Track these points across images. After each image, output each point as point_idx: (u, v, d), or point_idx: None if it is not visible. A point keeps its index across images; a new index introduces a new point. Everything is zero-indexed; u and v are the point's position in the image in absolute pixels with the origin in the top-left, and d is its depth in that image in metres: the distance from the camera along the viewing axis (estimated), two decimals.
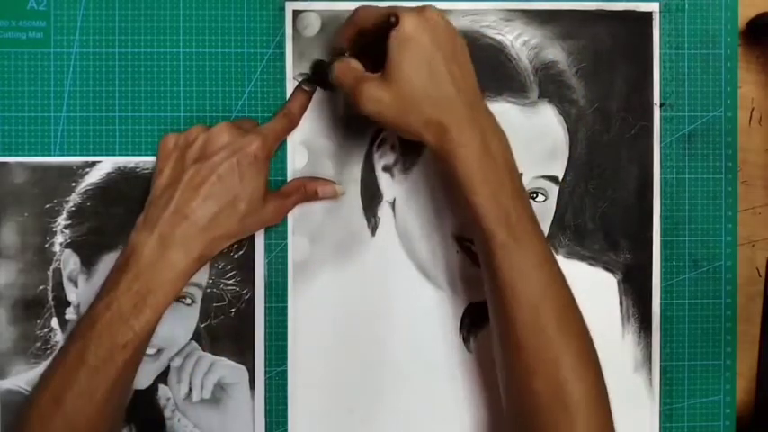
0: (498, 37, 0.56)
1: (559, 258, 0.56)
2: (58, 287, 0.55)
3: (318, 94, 0.56)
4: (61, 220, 0.55)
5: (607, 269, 0.57)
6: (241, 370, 0.55)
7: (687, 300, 0.57)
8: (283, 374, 0.56)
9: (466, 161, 0.47)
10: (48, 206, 0.55)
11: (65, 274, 0.55)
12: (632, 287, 0.57)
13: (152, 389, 0.55)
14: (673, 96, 0.57)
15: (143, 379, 0.55)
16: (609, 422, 0.47)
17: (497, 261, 0.47)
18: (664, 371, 0.57)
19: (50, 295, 0.55)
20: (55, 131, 0.55)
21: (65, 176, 0.55)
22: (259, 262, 0.56)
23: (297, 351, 0.56)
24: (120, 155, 0.55)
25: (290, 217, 0.56)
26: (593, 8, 0.56)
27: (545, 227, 0.56)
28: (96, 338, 0.47)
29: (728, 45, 0.57)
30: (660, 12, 0.57)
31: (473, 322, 0.56)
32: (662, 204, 0.57)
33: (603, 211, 0.57)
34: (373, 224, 0.56)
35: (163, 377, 0.55)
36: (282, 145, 0.55)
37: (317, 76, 0.55)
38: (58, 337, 0.55)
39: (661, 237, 0.57)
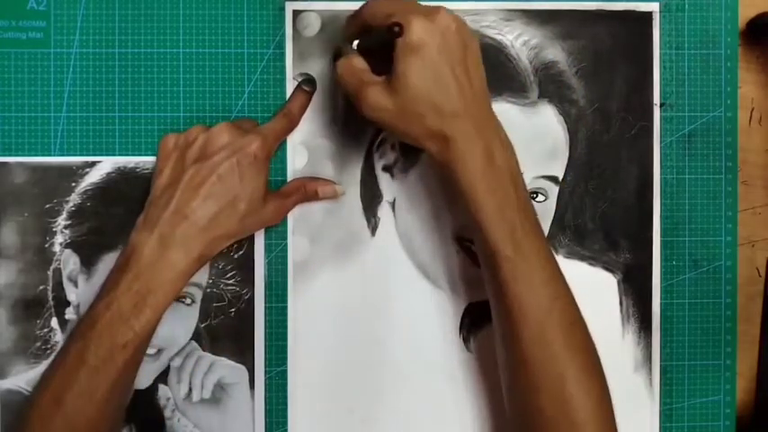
0: (498, 37, 0.56)
1: (559, 258, 0.56)
2: (58, 287, 0.55)
3: (318, 94, 0.56)
4: (61, 220, 0.55)
5: (607, 269, 0.57)
6: (241, 370, 0.55)
7: (687, 300, 0.57)
8: (283, 374, 0.56)
9: (470, 173, 0.46)
10: (48, 206, 0.55)
11: (65, 274, 0.55)
12: (632, 287, 0.57)
13: (152, 389, 0.55)
14: (673, 96, 0.57)
15: (143, 379, 0.55)
16: None
17: (503, 275, 0.46)
18: (664, 371, 0.57)
19: (50, 295, 0.55)
20: (55, 131, 0.55)
21: (65, 176, 0.55)
22: (259, 262, 0.56)
23: (297, 351, 0.56)
24: (120, 155, 0.55)
25: (290, 217, 0.56)
26: (593, 8, 0.56)
27: (545, 227, 0.56)
28: (96, 338, 0.47)
29: (728, 45, 0.57)
30: (660, 12, 0.57)
31: (473, 322, 0.56)
32: (662, 204, 0.57)
33: (603, 211, 0.57)
34: (373, 224, 0.56)
35: (163, 377, 0.55)
36: (282, 145, 0.55)
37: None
38: (58, 337, 0.55)
39: (661, 237, 0.57)
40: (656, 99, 0.57)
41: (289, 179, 0.56)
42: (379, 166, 0.56)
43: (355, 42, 0.51)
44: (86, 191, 0.55)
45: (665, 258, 0.57)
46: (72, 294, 0.55)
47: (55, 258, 0.55)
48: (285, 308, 0.56)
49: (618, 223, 0.57)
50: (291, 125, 0.54)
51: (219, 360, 0.55)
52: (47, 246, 0.55)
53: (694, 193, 0.57)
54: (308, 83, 0.55)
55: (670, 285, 0.57)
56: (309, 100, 0.55)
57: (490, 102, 0.48)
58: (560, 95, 0.56)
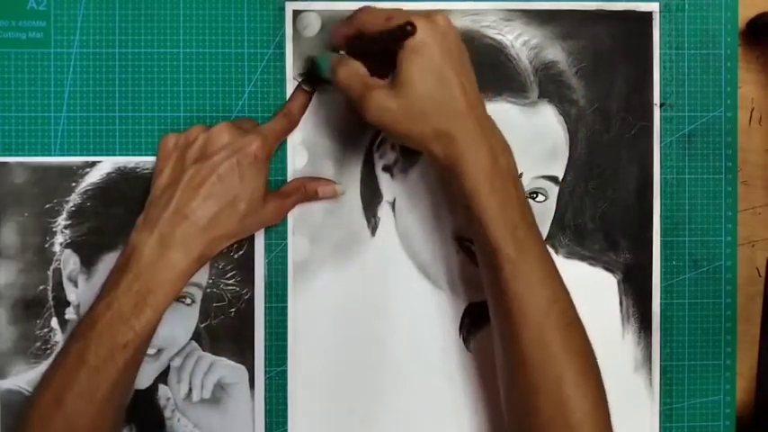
0: (498, 37, 0.56)
1: (559, 258, 0.56)
2: (58, 287, 0.55)
3: (319, 95, 0.56)
4: (61, 220, 0.55)
5: (607, 269, 0.57)
6: (241, 370, 0.55)
7: (687, 300, 0.57)
8: (283, 374, 0.56)
9: (474, 173, 0.46)
10: (48, 206, 0.55)
11: (65, 274, 0.55)
12: (632, 287, 0.57)
13: (152, 389, 0.55)
14: (673, 96, 0.57)
15: (143, 379, 0.55)
16: None
17: (504, 275, 0.46)
18: (664, 371, 0.57)
19: (50, 295, 0.55)
20: (55, 131, 0.55)
21: (65, 176, 0.55)
22: (259, 262, 0.56)
23: (297, 351, 0.56)
24: (120, 155, 0.55)
25: (290, 217, 0.56)
26: (593, 8, 0.56)
27: (545, 227, 0.56)
28: (97, 338, 0.47)
29: (728, 45, 0.57)
30: (660, 12, 0.57)
31: (473, 322, 0.56)
32: (662, 204, 0.57)
33: (603, 211, 0.57)
34: (373, 224, 0.56)
35: (163, 377, 0.55)
36: (282, 145, 0.55)
37: (308, 72, 0.55)
38: (58, 337, 0.55)
39: (661, 237, 0.57)
40: (656, 99, 0.57)
41: (289, 179, 0.56)
42: (379, 166, 0.56)
43: (341, 52, 0.51)
44: (86, 191, 0.55)
45: (665, 258, 0.57)
46: (72, 294, 0.55)
47: (55, 258, 0.55)
48: (285, 308, 0.56)
49: (618, 223, 0.57)
50: (291, 125, 0.55)
51: (219, 360, 0.55)
52: (47, 246, 0.55)
53: (694, 193, 0.57)
54: (307, 83, 0.55)
55: (670, 285, 0.57)
56: (309, 100, 0.55)
57: (485, 106, 0.49)
58: (560, 95, 0.56)
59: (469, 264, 0.56)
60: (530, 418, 0.46)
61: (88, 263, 0.55)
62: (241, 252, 0.55)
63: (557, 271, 0.48)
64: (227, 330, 0.55)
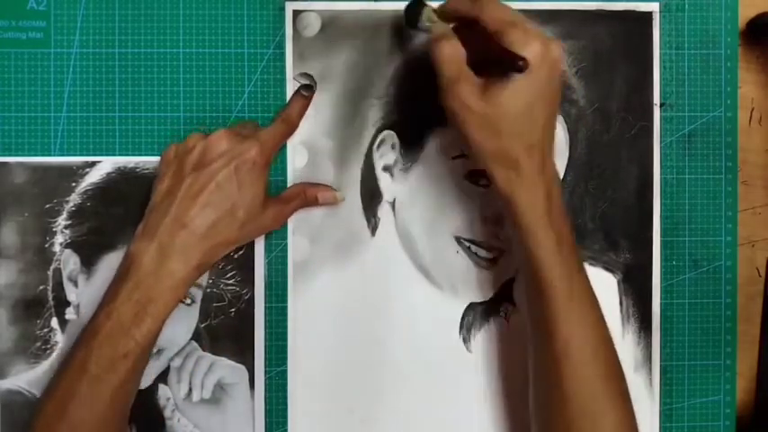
0: None
1: None
2: (58, 287, 0.55)
3: (319, 94, 0.56)
4: (61, 220, 0.55)
5: (607, 269, 0.57)
6: (241, 370, 0.55)
7: (687, 300, 0.57)
8: (283, 374, 0.56)
9: (532, 209, 0.46)
10: (48, 206, 0.55)
11: (65, 274, 0.55)
12: (632, 287, 0.57)
13: (152, 389, 0.55)
14: (673, 96, 0.57)
15: (143, 379, 0.54)
16: None
17: (556, 315, 0.46)
18: (664, 371, 0.57)
19: (50, 295, 0.55)
20: (55, 131, 0.55)
21: (65, 176, 0.55)
22: (259, 262, 0.56)
23: (297, 351, 0.56)
24: (120, 155, 0.55)
25: (290, 217, 0.56)
26: (593, 8, 0.56)
27: None
28: (98, 348, 0.47)
29: (728, 45, 0.57)
30: (660, 12, 0.57)
31: (473, 322, 0.56)
32: (662, 204, 0.57)
33: (603, 211, 0.57)
34: (373, 224, 0.56)
35: (163, 377, 0.55)
36: (282, 146, 0.55)
37: (408, 13, 0.51)
38: (58, 337, 0.55)
39: (661, 237, 0.57)
40: (656, 99, 0.57)
41: (289, 178, 0.56)
42: (379, 166, 0.56)
43: (452, 24, 0.49)
44: (86, 191, 0.55)
45: (665, 258, 0.57)
46: (72, 294, 0.55)
47: (55, 258, 0.55)
48: (285, 308, 0.56)
49: (618, 223, 0.57)
50: (290, 130, 0.54)
51: (219, 360, 0.55)
52: (47, 246, 0.55)
53: (694, 193, 0.57)
54: (306, 88, 0.55)
55: (670, 285, 0.57)
56: (308, 105, 0.55)
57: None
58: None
59: (469, 264, 0.56)
60: None
61: (88, 263, 0.55)
62: (241, 252, 0.55)
63: (601, 310, 0.48)
64: (227, 330, 0.55)
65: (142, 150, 0.55)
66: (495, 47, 0.46)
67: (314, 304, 0.56)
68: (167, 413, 0.55)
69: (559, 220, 0.47)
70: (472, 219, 0.56)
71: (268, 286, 0.56)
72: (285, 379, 0.56)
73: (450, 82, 0.46)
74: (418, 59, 0.51)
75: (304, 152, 0.56)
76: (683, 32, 0.57)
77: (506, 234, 0.56)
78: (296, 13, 0.56)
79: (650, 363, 0.57)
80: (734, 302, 0.57)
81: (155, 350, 0.55)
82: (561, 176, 0.56)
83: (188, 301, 0.55)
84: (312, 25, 0.56)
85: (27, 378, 0.55)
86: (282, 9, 0.56)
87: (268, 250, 0.56)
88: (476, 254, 0.56)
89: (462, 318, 0.56)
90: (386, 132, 0.56)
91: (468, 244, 0.56)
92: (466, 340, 0.56)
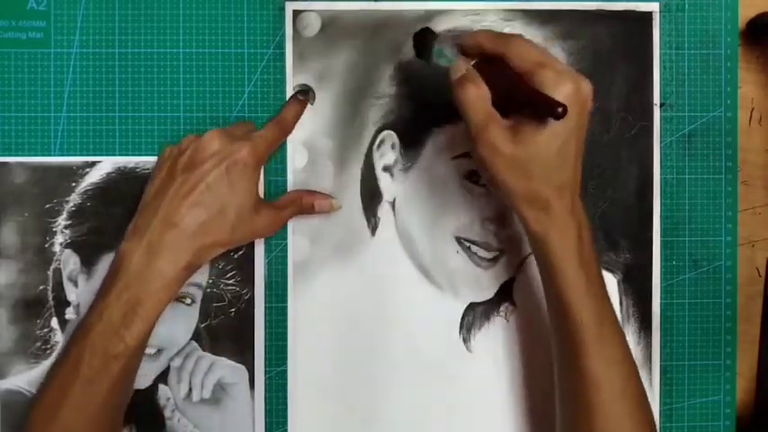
0: None
1: None
2: (58, 287, 0.55)
3: (319, 94, 0.56)
4: (61, 220, 0.55)
5: (607, 269, 0.57)
6: (241, 370, 0.55)
7: (687, 300, 0.57)
8: (283, 374, 0.56)
9: (563, 249, 0.46)
10: (48, 206, 0.55)
11: (65, 274, 0.55)
12: (632, 287, 0.57)
13: (152, 389, 0.55)
14: (673, 96, 0.57)
15: (143, 379, 0.55)
16: None
17: (586, 352, 0.46)
18: (664, 371, 0.57)
19: (50, 295, 0.55)
20: (55, 131, 0.55)
21: (65, 176, 0.55)
22: (259, 262, 0.56)
23: (297, 351, 0.56)
24: (120, 155, 0.55)
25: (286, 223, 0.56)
26: (593, 8, 0.56)
27: None
28: (90, 349, 0.47)
29: (728, 45, 0.57)
30: (660, 12, 0.57)
31: (473, 322, 0.56)
32: (662, 204, 0.57)
33: (603, 211, 0.57)
34: (373, 224, 0.56)
35: (163, 377, 0.55)
36: (282, 145, 0.55)
37: (418, 43, 0.50)
38: (58, 337, 0.55)
39: (661, 237, 0.57)
40: (656, 99, 0.57)
41: (289, 178, 0.56)
42: (379, 166, 0.56)
43: (473, 61, 0.47)
44: (86, 191, 0.55)
45: (665, 258, 0.57)
46: (72, 294, 0.55)
47: (55, 258, 0.55)
48: (285, 308, 0.56)
49: (618, 223, 0.57)
50: (284, 133, 0.54)
51: (219, 360, 0.55)
52: (47, 246, 0.55)
53: (694, 193, 0.57)
54: (303, 93, 0.55)
55: (670, 285, 0.57)
56: (304, 109, 0.55)
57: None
58: None
59: (470, 264, 0.56)
60: None
61: (88, 263, 0.55)
62: (241, 252, 0.55)
63: (628, 346, 0.49)
64: (227, 330, 0.55)
65: (142, 150, 0.55)
66: (523, 87, 0.44)
67: (314, 304, 0.56)
68: (167, 413, 0.55)
69: (590, 260, 0.47)
70: (472, 219, 0.56)
71: (268, 286, 0.56)
72: (285, 379, 0.56)
73: (478, 129, 0.45)
74: (418, 59, 0.51)
75: (304, 152, 0.56)
76: (683, 32, 0.57)
77: (506, 234, 0.56)
78: (296, 13, 0.56)
79: (650, 363, 0.57)
80: (734, 302, 0.57)
81: (154, 350, 0.55)
82: None
83: (188, 300, 0.55)
84: (312, 25, 0.56)
85: (27, 378, 0.55)
86: (282, 9, 0.56)
87: (268, 250, 0.56)
88: (476, 254, 0.56)
89: (462, 318, 0.56)
90: (386, 132, 0.56)
91: (468, 244, 0.56)
92: (466, 340, 0.56)
